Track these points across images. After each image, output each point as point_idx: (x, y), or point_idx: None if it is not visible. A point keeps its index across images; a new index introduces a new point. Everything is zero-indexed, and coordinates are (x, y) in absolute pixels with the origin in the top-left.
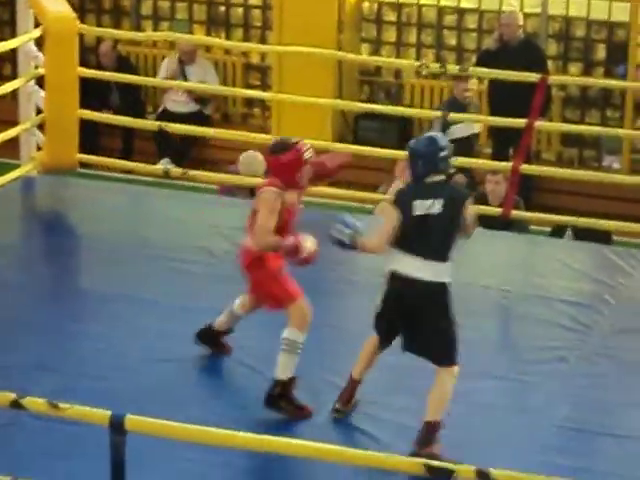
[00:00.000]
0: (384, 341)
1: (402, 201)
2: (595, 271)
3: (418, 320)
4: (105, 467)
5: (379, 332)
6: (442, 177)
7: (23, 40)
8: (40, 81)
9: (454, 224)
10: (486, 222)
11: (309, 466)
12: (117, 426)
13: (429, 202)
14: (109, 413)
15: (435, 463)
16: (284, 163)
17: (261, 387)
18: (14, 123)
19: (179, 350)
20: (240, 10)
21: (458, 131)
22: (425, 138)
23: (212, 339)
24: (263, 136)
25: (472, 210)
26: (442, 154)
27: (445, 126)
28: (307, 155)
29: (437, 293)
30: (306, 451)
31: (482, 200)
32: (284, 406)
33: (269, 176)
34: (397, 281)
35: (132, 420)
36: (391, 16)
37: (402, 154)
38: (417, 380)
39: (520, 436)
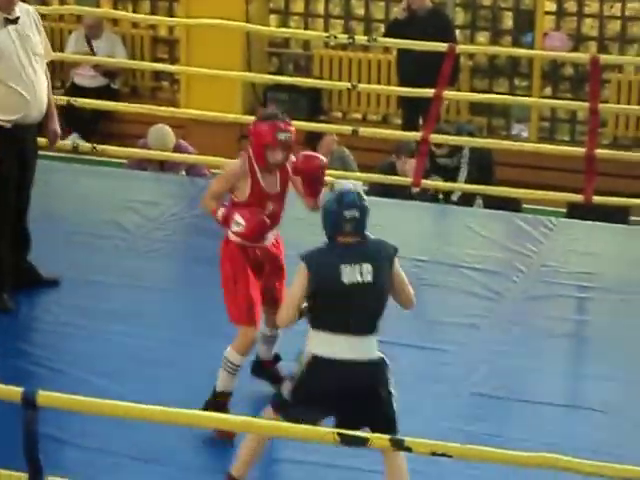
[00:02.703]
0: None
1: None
2: (506, 239)
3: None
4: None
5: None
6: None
7: None
8: None
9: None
10: (394, 192)
11: None
12: (29, 402)
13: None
14: (21, 389)
15: (349, 432)
16: (253, 132)
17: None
18: None
19: (91, 326)
20: None
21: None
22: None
23: (264, 372)
24: (172, 109)
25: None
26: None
27: None
28: (280, 136)
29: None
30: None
31: (392, 170)
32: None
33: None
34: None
35: (43, 396)
36: None
37: (312, 126)
38: None
39: (433, 404)
